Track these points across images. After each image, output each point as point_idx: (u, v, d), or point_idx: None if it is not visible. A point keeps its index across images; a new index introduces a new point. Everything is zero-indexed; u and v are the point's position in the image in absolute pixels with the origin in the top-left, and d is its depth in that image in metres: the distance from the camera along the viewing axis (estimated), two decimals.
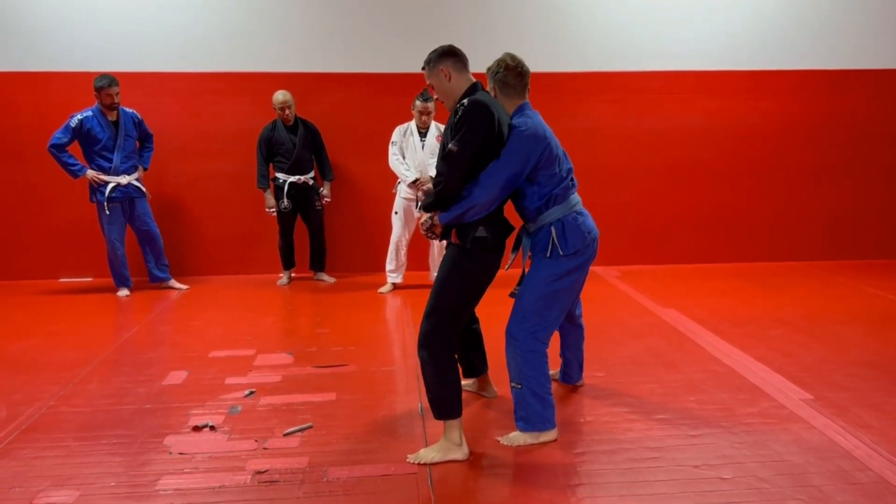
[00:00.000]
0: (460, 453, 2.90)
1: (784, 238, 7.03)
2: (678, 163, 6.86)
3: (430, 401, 2.94)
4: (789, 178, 6.95)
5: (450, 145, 2.83)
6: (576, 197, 3.10)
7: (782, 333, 4.60)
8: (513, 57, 3.10)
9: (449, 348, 2.92)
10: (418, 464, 2.86)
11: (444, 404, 2.91)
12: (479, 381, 3.58)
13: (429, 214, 2.99)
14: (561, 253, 2.99)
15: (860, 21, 6.75)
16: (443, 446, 2.91)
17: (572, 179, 3.11)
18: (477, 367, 3.51)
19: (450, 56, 2.96)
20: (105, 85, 5.57)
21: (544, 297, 3.02)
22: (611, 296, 5.76)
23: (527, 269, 3.14)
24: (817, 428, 3.15)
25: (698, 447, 2.99)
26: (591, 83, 6.67)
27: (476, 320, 3.48)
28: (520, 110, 3.06)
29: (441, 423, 2.95)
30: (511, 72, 3.06)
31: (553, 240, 3.00)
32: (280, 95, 5.96)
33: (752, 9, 6.68)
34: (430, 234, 3.02)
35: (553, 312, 3.05)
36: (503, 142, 2.91)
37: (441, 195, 2.89)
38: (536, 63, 6.36)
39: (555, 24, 6.58)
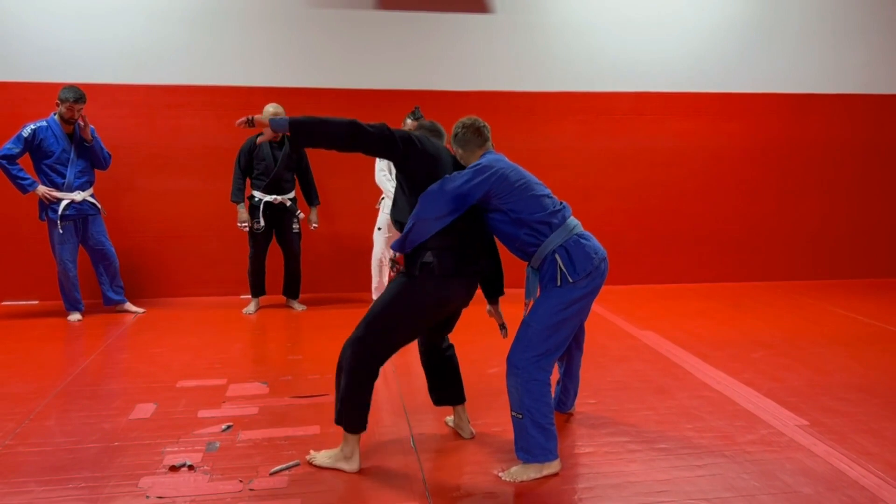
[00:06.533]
0: (348, 465, 2.93)
1: (751, 258, 7.10)
2: (645, 183, 6.88)
3: (338, 410, 2.92)
4: (755, 199, 7.05)
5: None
6: (573, 221, 2.99)
7: (764, 356, 4.59)
8: (469, 117, 3.10)
9: (371, 373, 2.89)
10: (311, 464, 2.97)
11: (350, 418, 2.90)
12: (455, 414, 3.34)
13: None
14: (570, 280, 2.87)
15: (823, 48, 6.92)
16: (335, 454, 2.96)
17: (561, 203, 3.02)
18: (451, 395, 3.29)
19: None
20: (71, 99, 5.22)
21: (551, 327, 2.89)
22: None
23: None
24: (820, 456, 3.10)
25: (706, 479, 2.90)
26: (559, 103, 6.63)
27: (450, 346, 3.29)
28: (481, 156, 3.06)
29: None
30: (469, 129, 3.05)
31: (560, 267, 2.88)
32: (271, 108, 5.51)
33: (718, 32, 6.77)
34: (393, 269, 3.09)
35: (557, 341, 2.92)
36: (439, 160, 2.93)
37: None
38: (504, 83, 6.48)
39: (522, 44, 6.53)
